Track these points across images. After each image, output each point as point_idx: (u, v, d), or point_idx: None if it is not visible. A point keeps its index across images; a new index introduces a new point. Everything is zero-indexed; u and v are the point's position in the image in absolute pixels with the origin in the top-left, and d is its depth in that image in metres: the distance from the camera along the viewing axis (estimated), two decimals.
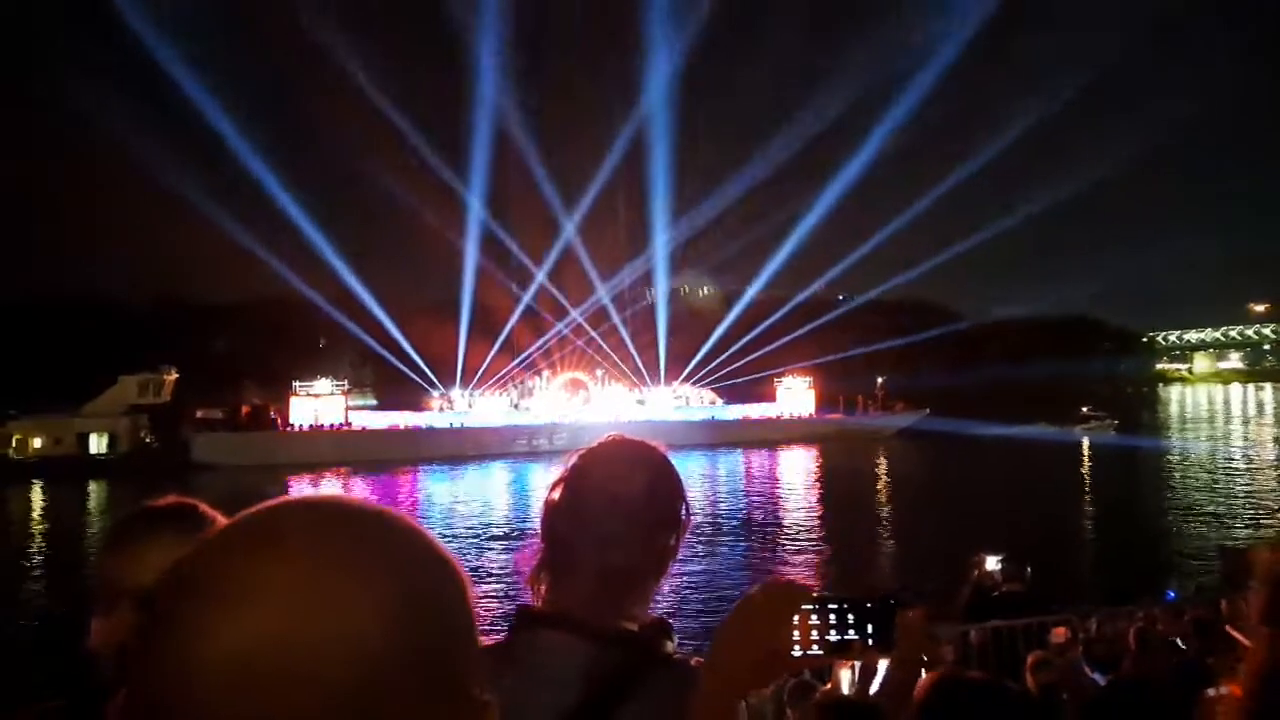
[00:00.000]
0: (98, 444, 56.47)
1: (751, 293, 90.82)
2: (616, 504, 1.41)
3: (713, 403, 70.10)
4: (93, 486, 47.24)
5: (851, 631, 1.36)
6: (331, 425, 59.04)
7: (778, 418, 67.96)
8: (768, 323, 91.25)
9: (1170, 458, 52.73)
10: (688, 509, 1.47)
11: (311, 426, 58.67)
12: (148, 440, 57.60)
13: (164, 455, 53.39)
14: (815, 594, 1.36)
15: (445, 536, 30.64)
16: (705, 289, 69.02)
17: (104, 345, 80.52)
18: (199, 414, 59.24)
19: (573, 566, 1.41)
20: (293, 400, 60.58)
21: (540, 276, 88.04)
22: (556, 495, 1.46)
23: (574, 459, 1.48)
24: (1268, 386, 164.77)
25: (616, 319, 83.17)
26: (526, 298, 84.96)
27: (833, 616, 1.37)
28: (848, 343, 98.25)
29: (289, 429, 58.87)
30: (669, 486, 1.46)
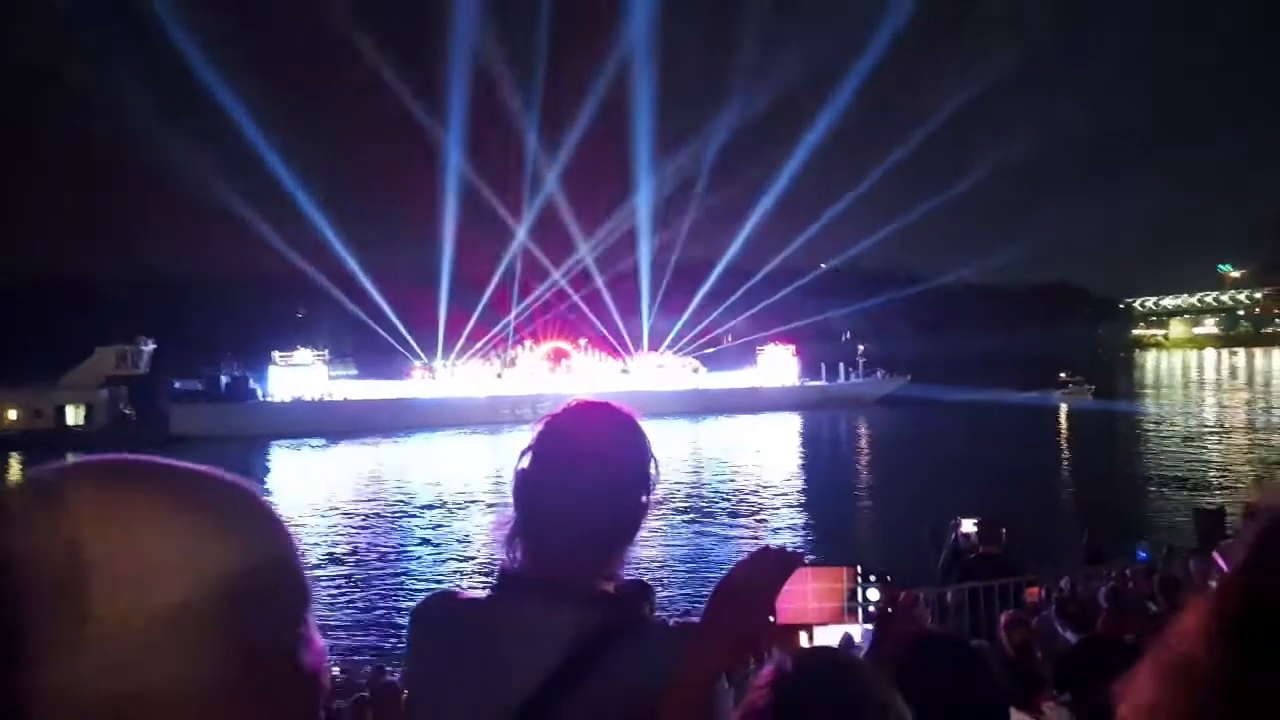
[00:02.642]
0: (75, 416, 55.93)
1: (729, 256, 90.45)
2: (586, 465, 1.41)
3: (695, 370, 70.20)
4: (71, 459, 46.80)
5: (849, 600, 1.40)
6: (312, 396, 58.72)
7: (760, 386, 68.18)
8: (748, 285, 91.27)
9: (1145, 422, 53.47)
10: (656, 465, 1.47)
11: (292, 397, 58.36)
12: (126, 412, 57.11)
13: (142, 427, 52.98)
14: (807, 562, 1.38)
15: (428, 502, 30.83)
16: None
17: (81, 317, 79.60)
18: (177, 385, 58.75)
19: (547, 531, 1.41)
20: (272, 370, 60.16)
21: (522, 234, 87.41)
22: (526, 463, 1.45)
23: (541, 425, 1.48)
24: (1241, 351, 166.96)
25: (600, 282, 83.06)
26: (509, 257, 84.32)
27: (829, 586, 1.40)
28: (829, 309, 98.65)
29: (268, 399, 58.53)
30: (636, 444, 1.47)
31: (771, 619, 1.29)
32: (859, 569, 1.44)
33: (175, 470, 0.66)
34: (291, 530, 0.69)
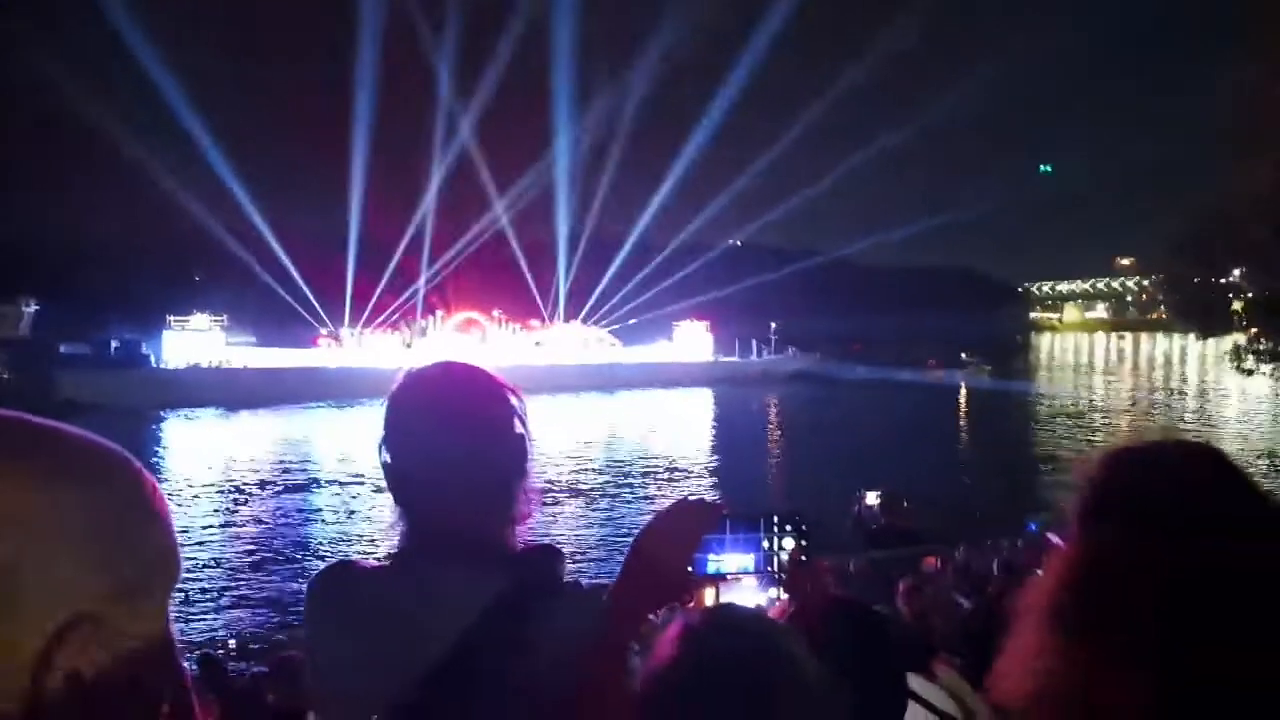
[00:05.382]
0: None
1: (640, 227, 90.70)
2: (446, 435, 1.35)
3: (612, 345, 70.29)
4: None
5: (767, 547, 1.40)
6: (209, 362, 56.42)
7: (674, 361, 68.70)
8: (662, 258, 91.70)
9: (1039, 400, 56.08)
10: (516, 394, 1.42)
11: (188, 363, 55.98)
12: (4, 376, 53.95)
13: (24, 393, 50.11)
14: (726, 512, 1.38)
15: (332, 476, 30.07)
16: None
17: None
18: (63, 349, 55.76)
19: (435, 509, 1.35)
20: (167, 336, 57.55)
21: (434, 196, 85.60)
22: (388, 456, 1.38)
23: (386, 411, 1.41)
24: (1128, 335, 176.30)
25: (514, 250, 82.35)
26: (420, 220, 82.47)
27: (746, 533, 1.40)
28: (740, 283, 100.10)
29: (162, 366, 56.02)
30: (484, 386, 1.42)
31: (691, 570, 1.28)
32: (775, 517, 1.43)
33: (41, 425, 0.63)
34: (163, 498, 0.67)
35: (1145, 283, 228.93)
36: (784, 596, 1.51)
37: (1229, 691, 0.76)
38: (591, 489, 27.74)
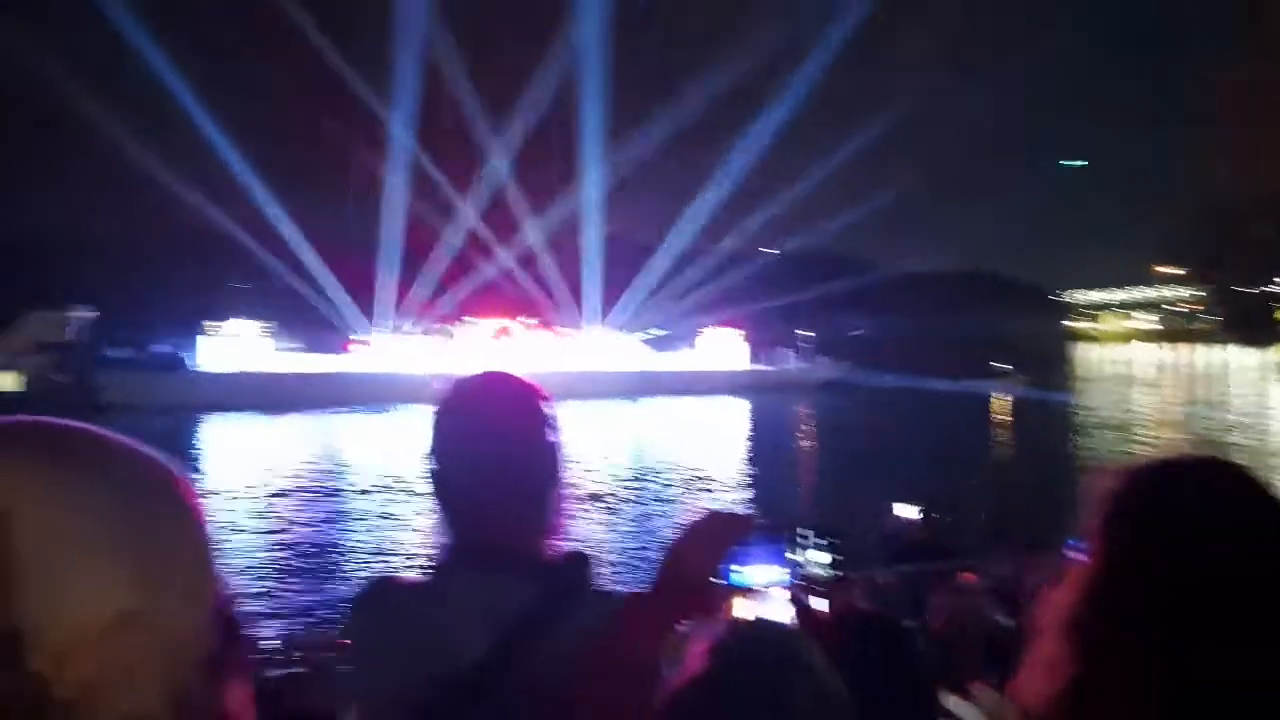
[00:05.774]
0: (15, 382, 53.97)
1: (677, 237, 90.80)
2: (490, 442, 1.42)
3: (643, 352, 70.38)
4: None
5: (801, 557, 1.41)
6: (249, 367, 57.44)
7: (705, 369, 68.62)
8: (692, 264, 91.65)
9: (1078, 411, 55.19)
10: (549, 402, 1.50)
11: (229, 368, 57.04)
12: (55, 380, 55.25)
13: (71, 396, 51.30)
14: (755, 524, 1.40)
15: (370, 483, 30.35)
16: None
17: (7, 282, 76.76)
18: (107, 353, 57.10)
19: (477, 516, 1.41)
20: (203, 341, 58.72)
21: (466, 203, 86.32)
22: (435, 464, 1.46)
23: (433, 418, 1.50)
24: (1169, 346, 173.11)
25: (545, 256, 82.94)
26: (451, 227, 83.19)
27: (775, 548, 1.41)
28: (773, 294, 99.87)
29: (204, 370, 57.15)
30: (523, 395, 1.49)
31: (716, 580, 1.32)
32: (802, 530, 1.45)
33: (77, 429, 0.65)
34: (198, 498, 0.69)
35: (1186, 292, 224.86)
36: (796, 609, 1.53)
37: (1230, 692, 0.77)
38: (618, 496, 27.75)
